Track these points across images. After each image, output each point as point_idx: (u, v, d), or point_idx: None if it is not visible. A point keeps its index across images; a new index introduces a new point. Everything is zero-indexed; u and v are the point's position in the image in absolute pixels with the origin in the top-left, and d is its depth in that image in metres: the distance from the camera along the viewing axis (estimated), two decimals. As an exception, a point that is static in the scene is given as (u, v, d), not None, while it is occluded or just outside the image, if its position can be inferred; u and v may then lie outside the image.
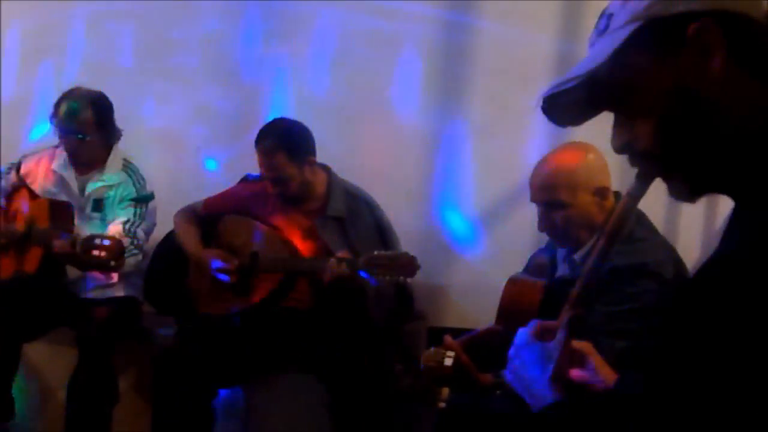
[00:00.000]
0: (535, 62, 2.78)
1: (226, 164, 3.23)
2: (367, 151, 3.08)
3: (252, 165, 2.61)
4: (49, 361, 3.01)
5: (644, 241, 1.74)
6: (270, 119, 2.61)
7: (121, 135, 2.85)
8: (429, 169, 3.02)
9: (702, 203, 0.85)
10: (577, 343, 1.03)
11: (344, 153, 2.96)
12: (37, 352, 2.96)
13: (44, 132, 3.07)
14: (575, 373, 1.01)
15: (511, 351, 1.05)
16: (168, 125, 3.32)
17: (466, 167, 2.94)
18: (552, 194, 1.82)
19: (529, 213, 2.00)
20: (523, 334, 1.05)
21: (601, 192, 1.83)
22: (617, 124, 0.86)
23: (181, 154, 3.29)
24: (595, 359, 1.04)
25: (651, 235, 1.79)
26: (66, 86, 2.83)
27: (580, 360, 1.03)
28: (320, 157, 2.58)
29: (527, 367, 1.01)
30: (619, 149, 0.86)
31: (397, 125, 3.05)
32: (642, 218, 1.79)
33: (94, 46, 3.35)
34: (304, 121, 2.59)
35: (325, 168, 2.63)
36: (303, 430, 2.37)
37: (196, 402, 2.34)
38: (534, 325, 1.05)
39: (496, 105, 2.89)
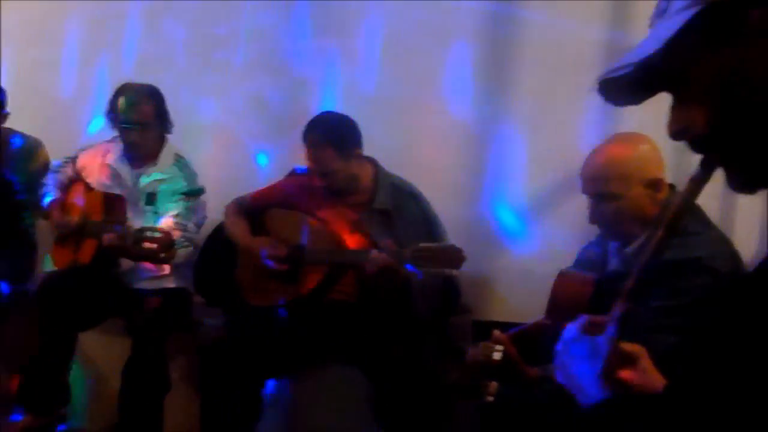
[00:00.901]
0: (583, 53, 2.72)
1: (276, 158, 3.26)
2: (415, 144, 3.06)
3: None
4: (103, 349, 3.09)
5: (699, 235, 1.69)
6: (317, 113, 2.62)
7: (173, 127, 2.91)
8: (477, 162, 2.99)
9: (760, 195, 0.82)
10: (628, 345, 1.01)
11: (393, 146, 2.96)
12: (92, 341, 3.04)
13: (100, 126, 3.15)
14: (624, 373, 0.99)
15: (559, 345, 1.03)
16: (219, 119, 3.37)
17: (515, 159, 2.90)
18: (603, 186, 1.78)
19: (579, 205, 1.96)
20: (571, 328, 1.03)
21: (655, 184, 1.78)
22: (674, 109, 0.84)
23: (231, 148, 3.33)
24: (645, 362, 1.02)
25: (706, 229, 1.74)
26: (121, 81, 2.90)
27: (629, 361, 1.01)
28: (369, 150, 2.58)
29: (575, 363, 0.99)
30: (674, 135, 0.83)
31: (444, 118, 3.02)
32: (697, 211, 1.74)
33: (148, 41, 3.42)
34: (353, 114, 2.59)
35: (372, 161, 2.63)
36: (347, 422, 2.38)
37: (244, 392, 2.37)
38: (583, 319, 1.03)
39: (544, 97, 2.84)
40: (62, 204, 2.98)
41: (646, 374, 1.01)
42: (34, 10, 3.53)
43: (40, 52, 3.61)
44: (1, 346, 3.11)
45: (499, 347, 1.78)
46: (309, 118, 2.58)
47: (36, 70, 3.62)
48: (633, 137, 1.83)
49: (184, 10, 3.36)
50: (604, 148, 1.83)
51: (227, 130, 3.35)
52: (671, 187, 1.81)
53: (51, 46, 3.57)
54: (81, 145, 3.09)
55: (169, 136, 2.93)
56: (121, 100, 2.79)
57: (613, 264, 1.91)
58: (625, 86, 0.84)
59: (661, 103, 0.88)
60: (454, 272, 2.20)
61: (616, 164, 1.78)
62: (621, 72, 0.80)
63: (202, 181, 2.91)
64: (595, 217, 1.84)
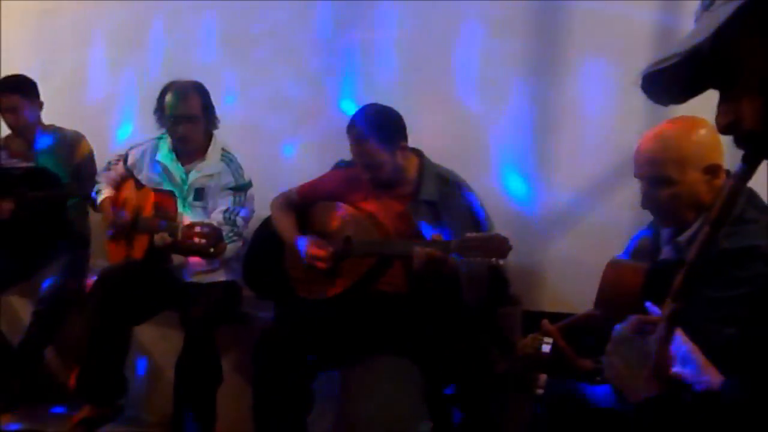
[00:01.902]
0: (633, 37, 2.64)
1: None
2: (463, 134, 3.03)
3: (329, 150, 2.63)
4: (157, 342, 3.16)
5: (756, 223, 1.63)
6: (362, 106, 2.61)
7: (219, 122, 2.95)
8: (523, 151, 2.94)
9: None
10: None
11: (433, 137, 2.94)
12: (146, 335, 3.11)
13: (130, 128, 3.22)
14: (677, 370, 0.97)
15: (610, 346, 1.02)
16: (250, 115, 3.40)
17: (562, 147, 2.85)
18: (659, 170, 1.72)
19: (629, 193, 1.92)
20: (621, 328, 1.01)
21: (712, 170, 1.72)
22: (722, 103, 0.81)
23: (257, 144, 3.35)
24: (699, 358, 0.99)
25: (764, 216, 1.67)
26: (151, 82, 2.96)
27: (682, 357, 0.98)
28: (413, 140, 2.57)
29: (626, 362, 0.97)
30: (724, 129, 0.81)
31: (489, 105, 2.98)
32: (754, 198, 1.68)
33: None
34: (395, 105, 2.58)
35: (417, 152, 2.62)
36: (397, 413, 2.38)
37: (295, 383, 2.39)
38: (633, 319, 1.01)
39: (592, 82, 2.77)
40: (114, 201, 3.05)
41: (699, 371, 0.98)
42: (68, 14, 3.63)
43: (72, 56, 3.71)
44: (60, 339, 3.22)
45: (548, 340, 1.76)
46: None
47: (69, 72, 3.72)
48: (692, 120, 1.75)
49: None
50: (661, 131, 1.77)
51: (252, 126, 3.37)
52: (728, 173, 1.75)
53: (81, 49, 3.66)
54: (118, 145, 3.16)
55: (214, 132, 2.97)
56: (169, 96, 2.84)
57: (666, 252, 1.86)
58: (670, 83, 0.82)
59: (713, 91, 0.85)
60: (501, 262, 2.17)
61: (673, 148, 1.72)
62: (665, 64, 0.78)
63: (247, 175, 2.94)
64: (648, 201, 1.79)
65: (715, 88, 0.82)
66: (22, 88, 3.29)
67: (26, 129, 3.33)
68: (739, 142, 0.82)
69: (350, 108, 3.03)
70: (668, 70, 0.79)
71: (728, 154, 1.73)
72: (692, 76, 0.81)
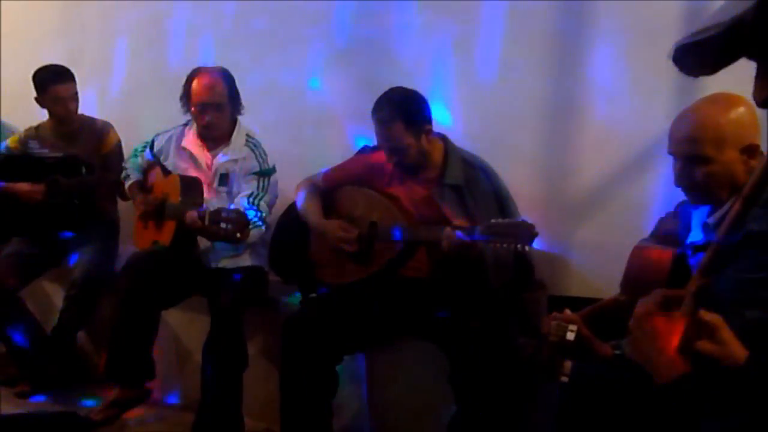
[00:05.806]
0: (660, 19, 2.58)
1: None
2: (488, 118, 2.99)
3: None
4: (185, 327, 3.20)
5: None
6: (387, 90, 2.59)
7: (243, 108, 2.96)
8: (549, 134, 2.91)
9: None
10: (707, 315, 0.97)
11: (465, 120, 2.91)
12: (174, 319, 3.15)
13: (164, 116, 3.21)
14: (703, 345, 0.95)
15: (633, 322, 1.00)
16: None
17: (588, 130, 2.81)
18: (695, 148, 1.69)
19: (656, 176, 1.89)
20: (644, 303, 1.00)
21: (750, 150, 1.68)
22: (761, 75, 0.78)
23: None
24: (725, 333, 0.98)
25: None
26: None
27: (708, 332, 0.96)
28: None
29: (650, 339, 0.96)
30: (762, 103, 0.78)
31: (516, 89, 2.94)
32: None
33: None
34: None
35: (442, 137, 2.60)
36: (422, 397, 2.39)
37: (321, 367, 2.41)
38: (657, 294, 0.99)
39: (620, 65, 2.73)
40: (143, 187, 3.09)
41: (725, 346, 0.96)
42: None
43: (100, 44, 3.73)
44: (91, 323, 3.28)
45: (573, 327, 1.74)
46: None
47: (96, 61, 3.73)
48: (730, 98, 1.71)
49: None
50: (698, 108, 1.73)
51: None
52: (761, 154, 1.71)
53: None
54: (145, 133, 3.18)
55: (239, 117, 2.99)
56: (195, 83, 2.86)
57: (695, 235, 1.83)
58: (703, 54, 0.79)
59: (744, 72, 0.83)
60: (527, 248, 2.16)
61: (711, 126, 1.68)
62: (705, 35, 0.75)
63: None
64: (682, 179, 1.75)
65: (750, 58, 0.79)
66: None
67: (74, 117, 3.37)
68: None
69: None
70: (703, 43, 0.77)
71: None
72: (727, 46, 0.78)
